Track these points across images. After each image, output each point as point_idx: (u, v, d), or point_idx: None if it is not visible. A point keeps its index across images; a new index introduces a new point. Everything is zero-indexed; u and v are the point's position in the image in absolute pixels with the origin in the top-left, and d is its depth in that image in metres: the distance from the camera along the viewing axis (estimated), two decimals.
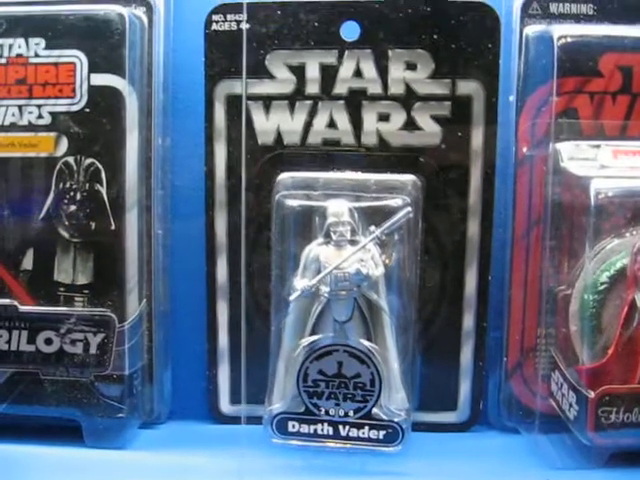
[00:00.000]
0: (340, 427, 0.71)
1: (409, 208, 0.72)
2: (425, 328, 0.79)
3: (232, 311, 0.79)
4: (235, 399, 0.80)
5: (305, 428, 0.72)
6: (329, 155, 0.76)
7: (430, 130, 0.76)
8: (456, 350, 0.79)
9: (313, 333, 0.72)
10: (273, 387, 0.74)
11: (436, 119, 0.76)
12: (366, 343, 0.71)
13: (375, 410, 0.71)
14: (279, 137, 0.77)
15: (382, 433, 0.71)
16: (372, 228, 0.71)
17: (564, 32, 0.74)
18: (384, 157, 0.76)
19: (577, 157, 0.76)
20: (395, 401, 0.73)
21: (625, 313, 0.72)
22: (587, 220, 0.72)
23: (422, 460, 0.74)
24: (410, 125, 0.76)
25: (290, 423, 0.72)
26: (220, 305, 0.79)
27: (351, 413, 0.71)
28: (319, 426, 0.72)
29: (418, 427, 0.78)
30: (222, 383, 0.81)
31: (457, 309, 0.78)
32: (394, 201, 0.72)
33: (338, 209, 0.72)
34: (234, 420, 0.80)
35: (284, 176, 0.76)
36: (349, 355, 0.70)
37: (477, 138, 0.76)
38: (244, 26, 0.73)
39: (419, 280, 0.77)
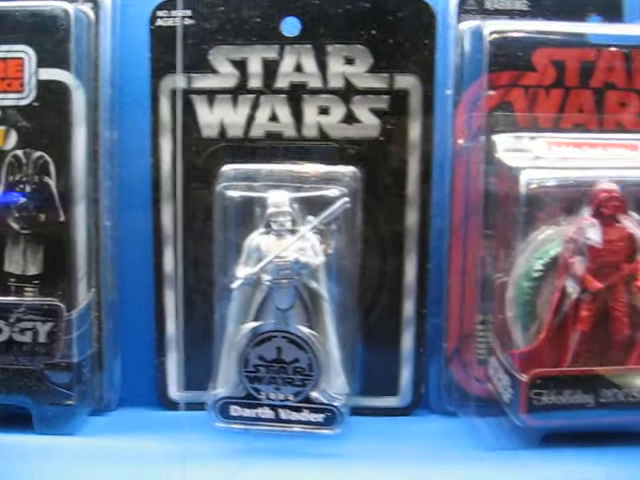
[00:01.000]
0: (281, 411, 0.74)
1: (346, 198, 0.74)
2: (366, 315, 0.81)
3: (179, 300, 0.81)
4: (183, 386, 0.82)
5: (247, 412, 0.74)
6: (271, 148, 0.78)
7: (369, 123, 0.78)
8: (397, 336, 0.81)
9: (256, 320, 0.74)
10: (217, 373, 0.76)
11: (375, 112, 0.78)
12: (304, 329, 0.73)
13: (314, 394, 0.73)
14: (223, 130, 0.79)
15: (321, 416, 0.73)
16: (310, 218, 0.73)
17: (496, 28, 0.76)
18: (324, 149, 0.78)
19: (512, 149, 0.78)
20: (335, 385, 0.75)
21: (556, 299, 0.74)
22: (519, 210, 0.75)
23: (363, 442, 0.76)
24: (349, 118, 0.78)
25: (232, 407, 0.74)
26: (167, 294, 0.81)
27: (291, 397, 0.73)
28: (260, 410, 0.74)
29: (361, 411, 0.80)
30: (170, 370, 0.83)
31: (397, 297, 0.81)
32: (331, 191, 0.74)
33: (278, 199, 0.74)
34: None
35: (227, 168, 0.78)
36: (288, 341, 0.72)
37: (414, 130, 0.78)
38: (179, 22, 0.75)
39: (359, 269, 0.79)
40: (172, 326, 0.82)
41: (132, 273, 0.83)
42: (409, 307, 0.81)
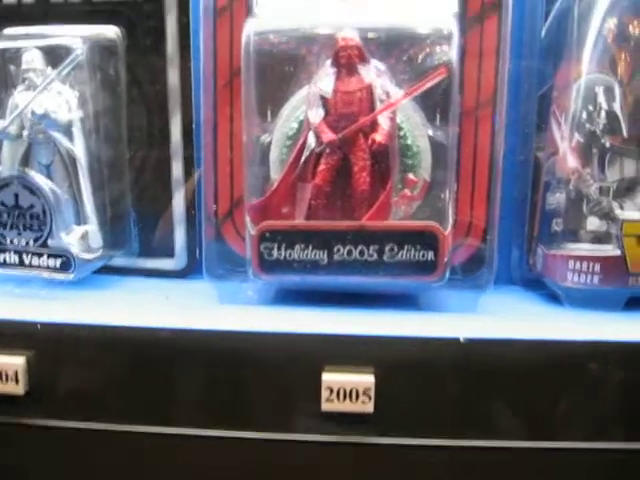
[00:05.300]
0: (24, 256, 0.77)
1: (79, 50, 0.75)
2: (137, 177, 0.82)
3: None
4: None
5: None
6: (42, 12, 0.81)
7: None
8: (168, 198, 0.82)
9: None
10: None
11: None
12: (38, 177, 0.76)
13: (52, 241, 0.76)
14: None
15: (58, 261, 0.76)
16: (49, 70, 0.76)
17: None
18: (89, 11, 0.80)
19: (270, 6, 0.77)
20: (88, 238, 0.78)
21: (296, 152, 0.73)
22: (247, 63, 0.73)
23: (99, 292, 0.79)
24: None
25: None
26: None
27: (31, 242, 0.77)
28: (7, 255, 0.78)
29: (140, 272, 0.82)
30: None
31: (165, 157, 0.81)
32: (71, 41, 0.76)
33: (30, 56, 0.77)
34: None
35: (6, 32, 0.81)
36: (23, 187, 0.76)
37: None
38: None
39: (126, 130, 0.81)
40: None
41: None
42: (178, 168, 0.82)
